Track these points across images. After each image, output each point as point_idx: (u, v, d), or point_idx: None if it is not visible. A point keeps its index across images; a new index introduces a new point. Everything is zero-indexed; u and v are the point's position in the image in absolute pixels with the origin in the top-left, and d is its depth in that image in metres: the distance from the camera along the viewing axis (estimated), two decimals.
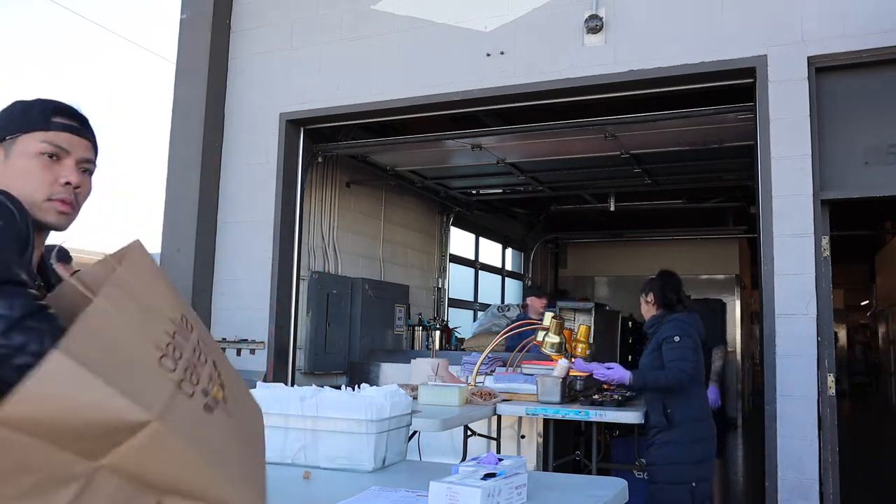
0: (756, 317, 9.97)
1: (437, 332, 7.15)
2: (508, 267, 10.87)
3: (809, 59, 4.00)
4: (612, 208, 8.50)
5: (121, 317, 0.83)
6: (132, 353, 0.80)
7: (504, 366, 4.88)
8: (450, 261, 9.04)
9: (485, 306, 9.00)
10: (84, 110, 1.42)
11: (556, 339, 4.34)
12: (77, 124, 1.38)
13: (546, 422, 4.41)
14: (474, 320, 9.08)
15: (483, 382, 4.42)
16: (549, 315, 4.45)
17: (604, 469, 4.39)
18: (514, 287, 11.00)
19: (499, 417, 4.46)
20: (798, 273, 3.89)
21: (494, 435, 4.67)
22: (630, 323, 9.84)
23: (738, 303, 10.94)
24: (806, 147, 3.95)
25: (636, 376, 3.56)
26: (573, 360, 4.11)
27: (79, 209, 1.38)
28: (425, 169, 7.45)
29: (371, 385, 2.44)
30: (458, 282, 9.32)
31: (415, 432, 3.39)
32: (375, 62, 5.15)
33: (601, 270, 11.67)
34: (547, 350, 4.38)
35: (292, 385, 2.93)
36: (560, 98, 4.75)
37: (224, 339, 5.49)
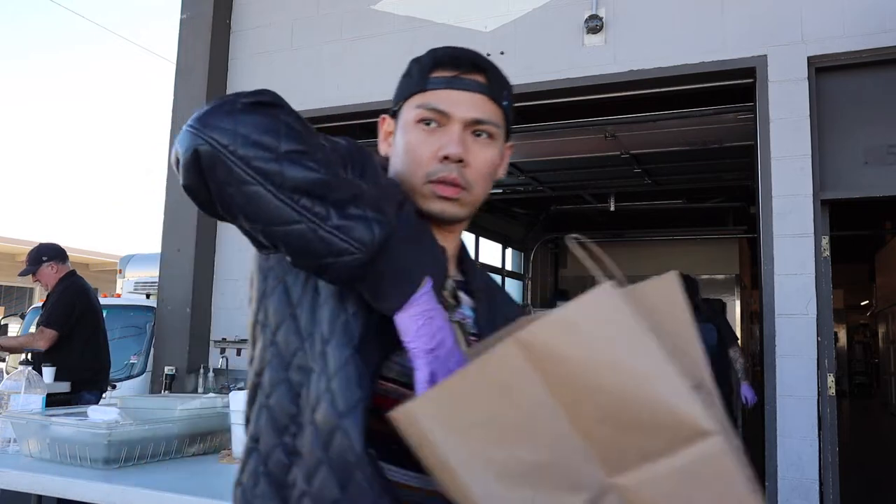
0: (756, 317, 9.97)
1: None
2: (508, 267, 10.86)
3: (809, 59, 4.00)
4: (613, 208, 8.50)
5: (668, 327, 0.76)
6: (683, 368, 0.71)
7: None
8: None
9: None
10: (486, 55, 1.10)
11: None
12: (461, 73, 1.05)
13: None
14: None
15: None
16: None
17: None
18: (514, 287, 10.99)
19: None
20: (798, 273, 3.89)
21: None
22: None
23: (738, 303, 10.94)
24: (806, 147, 3.95)
25: None
26: None
27: (474, 187, 1.05)
28: None
29: None
30: None
31: None
32: (375, 62, 5.15)
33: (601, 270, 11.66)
34: None
35: None
36: (560, 98, 4.75)
37: (224, 339, 5.49)
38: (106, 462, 2.03)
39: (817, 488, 3.73)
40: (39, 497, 2.28)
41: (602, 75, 4.45)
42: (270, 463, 0.94)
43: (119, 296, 7.76)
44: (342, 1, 5.36)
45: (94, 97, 28.65)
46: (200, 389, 5.21)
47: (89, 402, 3.62)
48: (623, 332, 0.70)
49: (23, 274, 4.55)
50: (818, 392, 3.78)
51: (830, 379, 3.81)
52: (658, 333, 0.71)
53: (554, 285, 11.76)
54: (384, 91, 5.73)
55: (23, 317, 8.02)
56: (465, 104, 1.04)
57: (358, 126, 5.85)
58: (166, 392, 5.05)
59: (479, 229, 9.91)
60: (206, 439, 2.35)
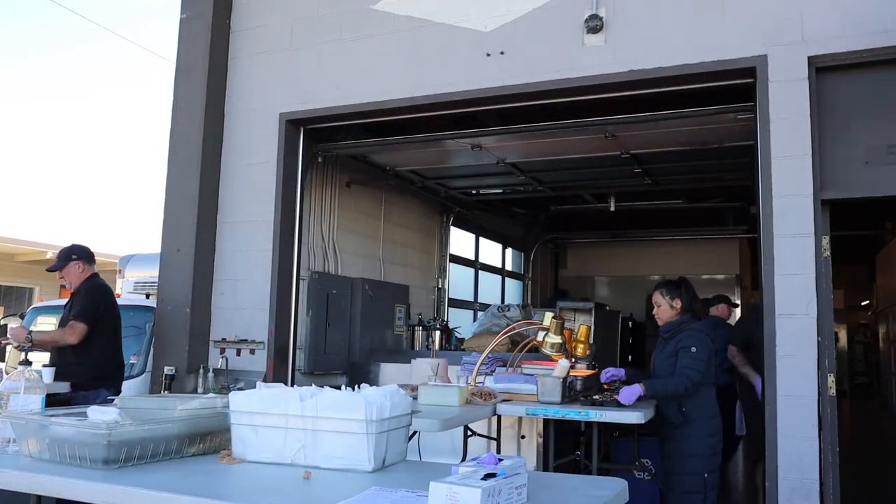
0: None
1: (437, 333, 7.14)
2: (508, 267, 10.86)
3: (809, 59, 3.99)
4: (612, 208, 8.50)
5: None
6: None
7: (504, 366, 4.87)
8: (450, 261, 9.03)
9: (485, 306, 8.98)
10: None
11: (557, 339, 4.34)
12: None
13: (546, 422, 4.40)
14: (474, 320, 9.07)
15: (483, 382, 4.42)
16: (549, 315, 4.45)
17: (604, 469, 4.38)
18: (514, 287, 11.00)
19: (499, 417, 4.46)
20: (798, 273, 3.89)
21: (494, 435, 4.67)
22: (630, 323, 9.84)
23: (738, 303, 10.94)
24: (806, 147, 3.95)
25: (647, 386, 3.82)
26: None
27: None
28: (425, 169, 7.45)
29: (371, 385, 2.44)
30: (458, 282, 9.31)
31: (415, 432, 3.39)
32: (375, 62, 5.15)
33: (601, 270, 11.67)
34: (547, 350, 4.38)
35: (292, 385, 2.92)
36: (560, 98, 4.75)
37: (224, 339, 5.49)
38: (105, 462, 2.03)
39: (817, 488, 3.72)
40: (39, 497, 2.28)
41: (602, 75, 4.45)
42: None
43: (119, 296, 7.75)
44: (342, 1, 5.36)
45: (94, 97, 28.62)
46: (200, 389, 5.22)
47: (107, 399, 3.70)
48: None
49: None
50: (818, 392, 3.78)
51: (830, 379, 3.80)
52: None
53: (554, 285, 11.76)
54: (384, 91, 5.76)
55: (22, 317, 8.01)
56: None
57: (358, 126, 5.86)
58: (166, 392, 5.05)
59: (479, 229, 9.91)
60: (205, 439, 2.34)
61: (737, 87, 4.34)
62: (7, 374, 3.80)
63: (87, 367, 4.32)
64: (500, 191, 8.79)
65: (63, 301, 5.16)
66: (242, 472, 2.09)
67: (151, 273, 7.23)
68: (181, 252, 5.52)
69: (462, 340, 7.53)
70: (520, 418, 4.66)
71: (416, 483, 1.86)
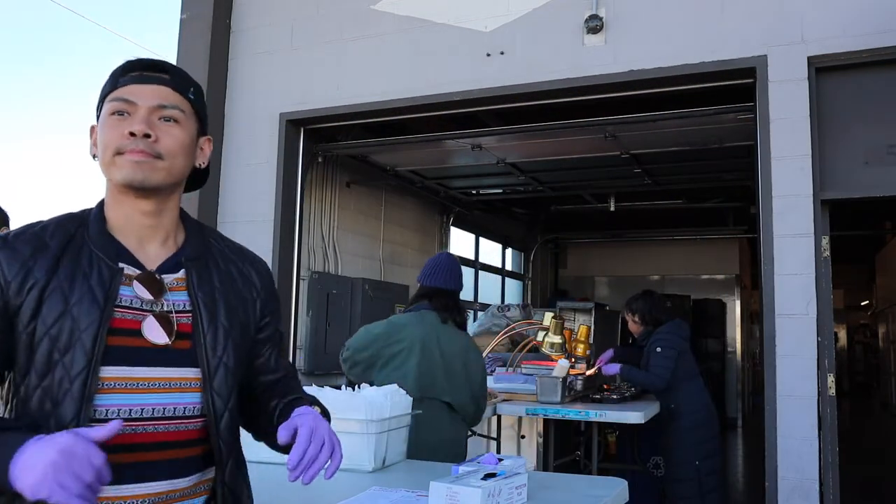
0: (756, 317, 9.98)
1: None
2: (508, 267, 10.86)
3: (809, 59, 3.99)
4: (612, 208, 8.49)
5: None
6: None
7: (504, 366, 4.87)
8: None
9: (485, 306, 8.98)
10: (165, 59, 1.30)
11: (557, 339, 4.35)
12: (144, 72, 1.24)
13: (546, 422, 4.41)
14: (474, 320, 9.06)
15: None
16: (549, 315, 4.46)
17: (604, 469, 4.39)
18: (514, 287, 11.00)
19: (499, 417, 4.47)
20: (798, 273, 3.89)
21: (494, 435, 4.67)
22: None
23: (738, 303, 10.95)
24: (806, 147, 3.95)
25: (623, 371, 4.31)
26: (596, 365, 4.71)
27: (166, 158, 1.23)
28: (425, 169, 7.45)
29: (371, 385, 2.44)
30: None
31: None
32: (375, 62, 5.15)
33: (601, 270, 11.67)
34: (547, 350, 4.39)
35: None
36: (560, 98, 4.74)
37: None
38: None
39: (817, 488, 3.72)
40: None
41: (602, 75, 4.45)
42: None
43: None
44: (342, 1, 5.36)
45: (94, 97, 28.61)
46: None
47: None
48: None
49: None
50: (818, 392, 3.78)
51: (830, 379, 3.80)
52: None
53: (554, 285, 11.76)
54: (384, 91, 5.75)
55: None
56: (149, 94, 1.23)
57: (358, 126, 5.86)
58: None
59: (479, 229, 9.91)
60: None
61: (737, 87, 4.34)
62: None
63: None
64: (500, 191, 8.79)
65: None
66: None
67: None
68: None
69: None
70: (520, 418, 4.66)
71: (416, 483, 1.86)
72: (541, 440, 4.71)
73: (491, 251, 10.43)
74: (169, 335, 1.22)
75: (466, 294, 9.60)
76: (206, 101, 1.36)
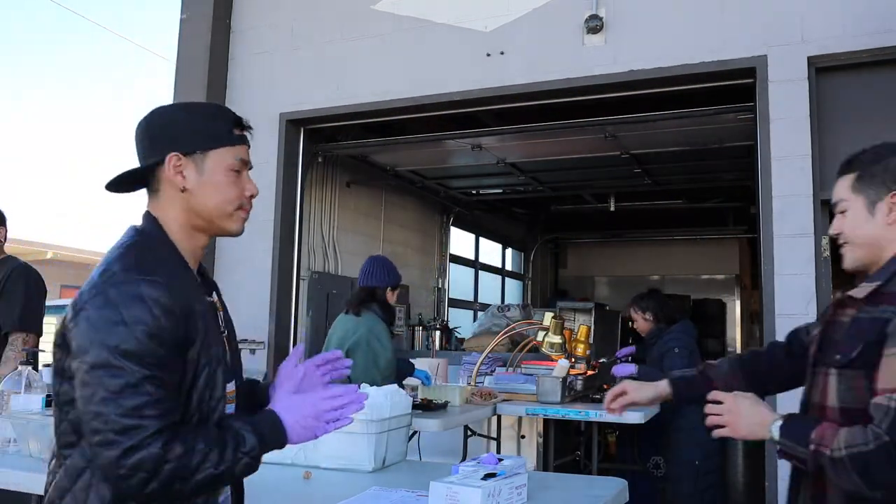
0: (756, 317, 9.96)
1: (437, 333, 7.14)
2: (508, 267, 10.86)
3: (809, 59, 3.99)
4: (612, 208, 8.49)
5: None
6: None
7: (504, 366, 4.87)
8: (450, 261, 9.03)
9: (485, 306, 8.99)
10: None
11: (557, 339, 4.34)
12: (246, 131, 1.49)
13: (546, 422, 4.40)
14: (474, 320, 9.07)
15: (483, 382, 4.42)
16: (549, 315, 4.45)
17: (604, 469, 4.39)
18: (514, 287, 10.99)
19: (499, 417, 4.46)
20: (798, 273, 3.89)
21: (494, 435, 4.67)
22: (630, 323, 9.83)
23: (738, 303, 10.93)
24: (806, 147, 3.95)
25: (641, 372, 4.09)
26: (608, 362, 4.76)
27: None
28: (425, 169, 7.45)
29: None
30: (458, 282, 9.31)
31: (415, 432, 3.39)
32: (375, 62, 5.15)
33: (601, 270, 11.66)
34: (547, 350, 4.38)
35: None
36: (560, 98, 4.75)
37: None
38: None
39: None
40: (40, 497, 2.28)
41: (602, 75, 4.45)
42: None
43: None
44: (342, 1, 5.36)
45: (93, 97, 28.63)
46: None
47: None
48: None
49: None
50: None
51: None
52: None
53: (554, 285, 11.75)
54: (384, 91, 5.74)
55: None
56: (248, 156, 1.49)
57: (358, 126, 5.86)
58: None
59: (480, 229, 9.91)
60: None
61: (737, 87, 4.34)
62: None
63: None
64: (500, 191, 8.79)
65: (65, 302, 5.15)
66: None
67: None
68: None
69: (462, 340, 7.54)
70: (520, 418, 4.66)
71: (416, 483, 1.86)
72: (541, 440, 4.71)
73: (491, 251, 10.43)
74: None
75: (466, 294, 9.62)
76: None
